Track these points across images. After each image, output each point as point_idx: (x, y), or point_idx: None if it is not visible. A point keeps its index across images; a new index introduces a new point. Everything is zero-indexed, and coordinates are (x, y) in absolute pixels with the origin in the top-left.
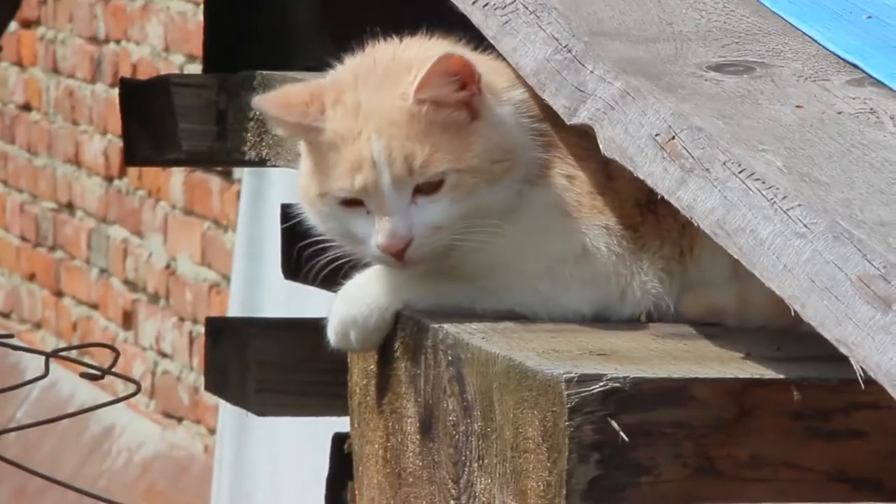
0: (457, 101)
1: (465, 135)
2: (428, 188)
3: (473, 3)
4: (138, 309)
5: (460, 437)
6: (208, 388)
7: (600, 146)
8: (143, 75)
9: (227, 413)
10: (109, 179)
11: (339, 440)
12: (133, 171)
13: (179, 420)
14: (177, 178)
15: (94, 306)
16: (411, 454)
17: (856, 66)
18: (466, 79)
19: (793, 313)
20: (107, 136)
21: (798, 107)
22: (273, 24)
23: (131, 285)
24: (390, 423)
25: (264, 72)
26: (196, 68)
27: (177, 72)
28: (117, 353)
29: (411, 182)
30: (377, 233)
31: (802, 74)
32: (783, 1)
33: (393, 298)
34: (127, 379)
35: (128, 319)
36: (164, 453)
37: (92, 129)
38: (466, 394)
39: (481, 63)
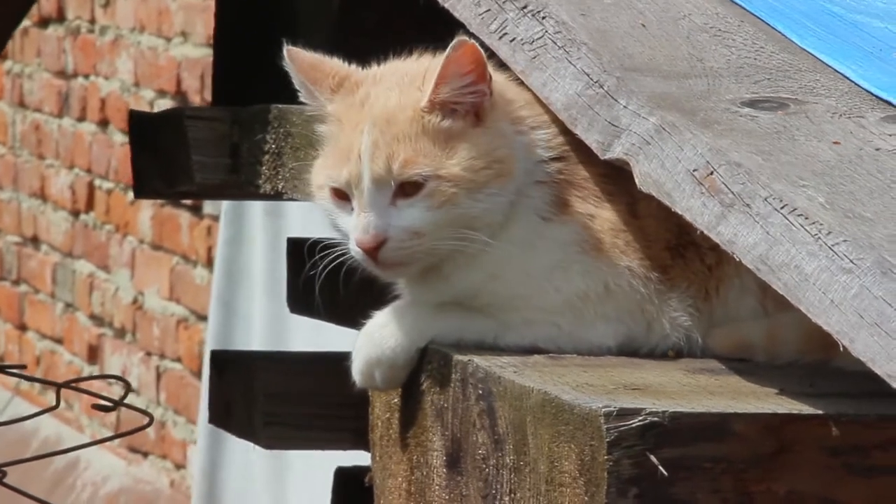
0: (468, 104)
1: (455, 141)
2: (410, 191)
3: (500, 38)
4: (104, 343)
5: (490, 471)
6: (212, 421)
7: (636, 181)
8: (112, 110)
9: (200, 449)
10: (76, 214)
11: (342, 474)
12: (101, 205)
13: (145, 455)
14: (145, 213)
15: (59, 340)
16: (437, 487)
17: (889, 103)
18: (479, 74)
19: (841, 349)
20: (73, 171)
21: (835, 143)
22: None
23: (97, 320)
24: (415, 457)
25: (280, 105)
26: (166, 103)
27: (147, 107)
28: (128, 386)
29: (389, 181)
30: (354, 228)
31: (837, 111)
32: (812, 38)
33: (417, 337)
34: (140, 411)
35: (93, 354)
36: (130, 488)
37: (58, 164)
38: (498, 427)
39: (513, 92)
